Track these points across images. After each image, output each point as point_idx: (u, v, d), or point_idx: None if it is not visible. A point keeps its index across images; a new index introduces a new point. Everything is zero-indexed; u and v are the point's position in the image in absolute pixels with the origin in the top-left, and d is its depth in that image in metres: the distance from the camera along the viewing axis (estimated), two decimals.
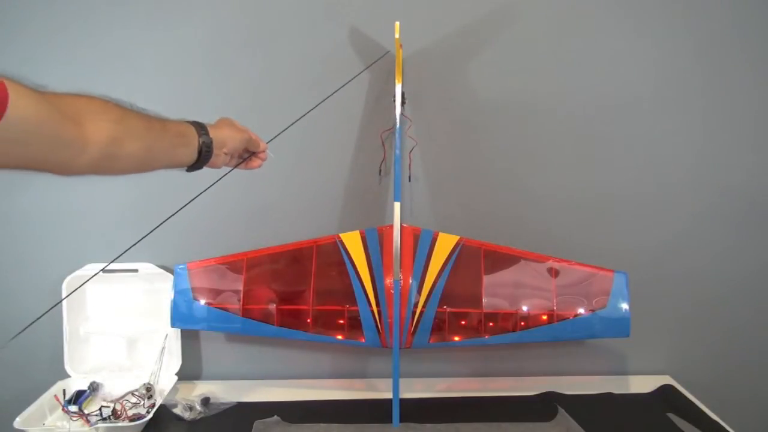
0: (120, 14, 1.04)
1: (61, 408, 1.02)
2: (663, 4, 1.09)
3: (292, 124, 0.88)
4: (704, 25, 1.10)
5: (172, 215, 0.73)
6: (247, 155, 0.84)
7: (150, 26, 1.05)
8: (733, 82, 1.13)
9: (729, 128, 1.15)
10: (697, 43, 1.11)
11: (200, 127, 0.73)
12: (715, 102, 1.14)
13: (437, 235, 1.05)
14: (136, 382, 1.08)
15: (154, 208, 1.11)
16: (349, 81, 1.02)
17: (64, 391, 1.05)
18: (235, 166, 0.83)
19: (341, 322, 1.06)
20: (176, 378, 1.12)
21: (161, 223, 0.72)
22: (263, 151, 0.86)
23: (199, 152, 0.72)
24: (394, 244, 0.98)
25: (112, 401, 1.04)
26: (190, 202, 0.74)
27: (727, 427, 1.03)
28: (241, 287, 1.06)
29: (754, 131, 1.16)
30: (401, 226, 1.00)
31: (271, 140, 0.86)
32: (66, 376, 1.11)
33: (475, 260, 1.05)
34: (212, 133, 0.74)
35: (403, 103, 1.02)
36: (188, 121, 0.73)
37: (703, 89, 1.13)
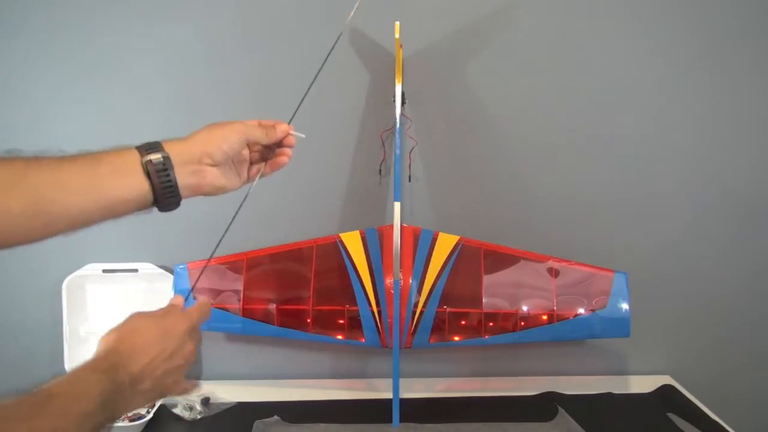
0: (120, 14, 1.04)
1: None
2: (665, 3, 1.09)
3: (303, 97, 0.75)
4: (707, 25, 1.10)
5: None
6: (268, 154, 0.68)
7: (150, 26, 1.05)
8: (736, 81, 1.13)
9: (731, 128, 1.15)
10: (699, 43, 1.11)
11: (149, 146, 0.57)
12: (718, 102, 1.14)
13: (437, 235, 1.05)
14: None
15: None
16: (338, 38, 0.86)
17: None
18: (260, 172, 0.67)
19: (341, 322, 1.06)
20: None
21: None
22: (287, 135, 0.68)
23: (149, 176, 0.55)
24: (394, 244, 0.98)
25: None
26: (237, 211, 0.71)
27: (727, 427, 1.03)
28: (241, 287, 1.06)
29: (757, 131, 1.16)
30: (401, 226, 1.00)
31: (292, 118, 0.71)
32: None
33: (475, 260, 1.05)
34: (177, 146, 0.58)
35: (403, 103, 1.02)
36: (137, 145, 0.57)
37: (705, 89, 1.13)
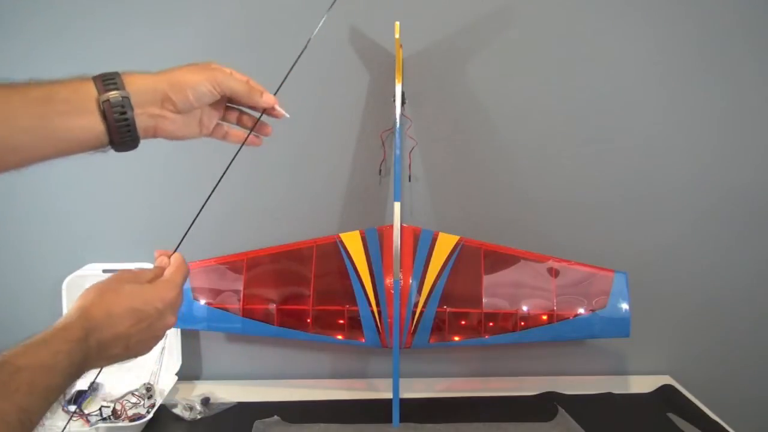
0: (120, 13, 1.04)
1: (60, 408, 1.02)
2: (667, 2, 1.09)
3: (293, 65, 0.70)
4: (709, 25, 1.10)
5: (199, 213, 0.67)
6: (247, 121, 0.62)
7: (150, 25, 1.05)
8: (739, 82, 1.13)
9: (733, 130, 1.15)
10: (699, 42, 1.11)
11: (108, 80, 0.51)
12: (720, 103, 1.14)
13: (437, 235, 1.05)
14: (136, 382, 1.08)
15: (154, 207, 1.12)
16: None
17: None
18: (243, 143, 0.61)
19: (341, 322, 1.06)
20: (176, 378, 1.12)
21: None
22: (272, 109, 0.62)
23: (105, 116, 0.50)
24: (394, 244, 0.98)
25: (112, 401, 1.04)
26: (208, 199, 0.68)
27: (727, 427, 1.03)
28: (241, 287, 1.06)
29: (760, 133, 1.16)
30: (401, 226, 1.00)
31: (279, 89, 0.65)
32: None
33: (475, 260, 1.05)
34: (140, 83, 0.53)
35: (403, 103, 1.02)
36: (94, 76, 0.52)
37: (707, 90, 1.13)
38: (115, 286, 0.53)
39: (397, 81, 0.99)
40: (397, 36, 0.98)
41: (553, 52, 1.10)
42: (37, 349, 0.45)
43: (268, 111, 0.63)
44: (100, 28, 1.04)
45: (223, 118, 0.64)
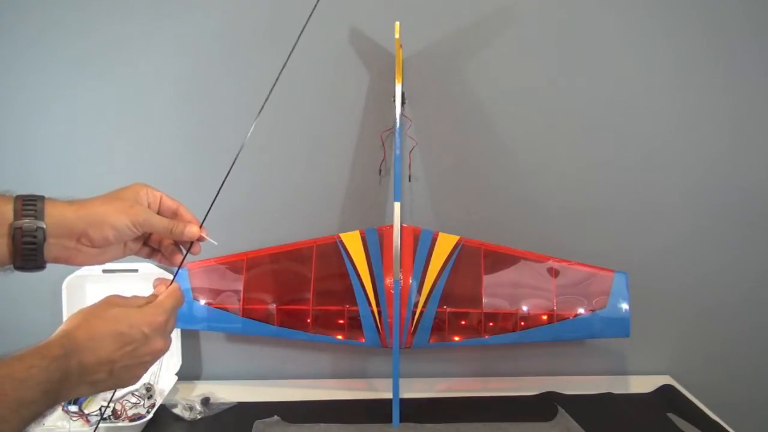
0: (120, 7, 1.04)
1: (61, 408, 1.02)
2: (668, 1, 1.09)
3: (215, 198, 0.69)
4: (713, 24, 1.10)
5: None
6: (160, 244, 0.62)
7: (150, 24, 1.05)
8: (743, 81, 1.12)
9: (736, 129, 1.15)
10: (703, 42, 1.11)
11: (28, 205, 0.51)
12: (724, 102, 1.14)
13: (437, 235, 1.05)
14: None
15: None
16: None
17: None
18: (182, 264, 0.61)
19: (341, 322, 1.06)
20: (176, 378, 1.12)
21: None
22: (196, 240, 0.62)
23: (14, 239, 0.50)
24: (394, 244, 0.98)
25: (112, 401, 1.04)
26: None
27: (727, 427, 1.03)
28: (241, 287, 1.06)
29: (763, 132, 1.15)
30: (401, 226, 1.00)
31: (206, 217, 0.65)
32: None
33: (475, 260, 1.05)
34: (60, 213, 0.52)
35: (403, 103, 1.02)
36: (17, 196, 0.52)
37: (710, 88, 1.13)
38: (102, 310, 0.53)
39: (397, 81, 0.99)
40: (397, 36, 0.98)
41: (553, 52, 1.10)
42: (12, 362, 0.44)
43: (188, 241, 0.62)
44: (99, 20, 1.04)
45: (146, 242, 0.64)
